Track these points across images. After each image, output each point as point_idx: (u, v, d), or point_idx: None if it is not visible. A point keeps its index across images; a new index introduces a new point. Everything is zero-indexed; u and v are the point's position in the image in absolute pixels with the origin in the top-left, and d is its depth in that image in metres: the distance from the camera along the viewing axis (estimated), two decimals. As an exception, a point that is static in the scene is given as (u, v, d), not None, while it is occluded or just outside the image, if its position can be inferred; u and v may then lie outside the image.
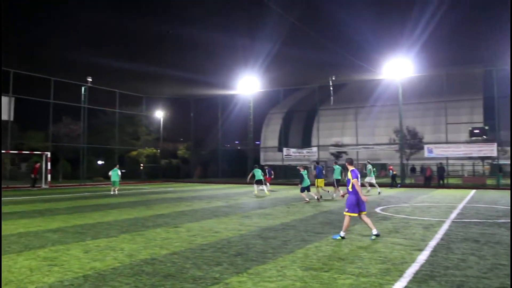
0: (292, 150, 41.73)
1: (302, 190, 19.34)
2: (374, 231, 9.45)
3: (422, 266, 6.89)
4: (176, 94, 47.92)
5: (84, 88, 39.31)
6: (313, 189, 20.24)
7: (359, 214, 9.53)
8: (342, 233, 9.48)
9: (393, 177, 33.41)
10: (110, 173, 25.83)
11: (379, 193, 24.38)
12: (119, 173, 26.10)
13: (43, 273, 6.44)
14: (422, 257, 7.55)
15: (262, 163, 47.90)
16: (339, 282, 5.95)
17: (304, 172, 19.60)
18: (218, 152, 47.93)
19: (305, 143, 44.76)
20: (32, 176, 32.02)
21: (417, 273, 6.42)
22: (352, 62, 31.33)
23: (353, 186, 9.46)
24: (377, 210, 15.63)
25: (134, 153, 50.07)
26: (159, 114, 49.98)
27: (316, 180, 21.26)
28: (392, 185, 32.46)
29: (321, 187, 21.03)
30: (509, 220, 12.53)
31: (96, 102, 41.85)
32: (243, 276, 6.31)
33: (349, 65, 32.47)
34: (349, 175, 9.55)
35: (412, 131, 36.92)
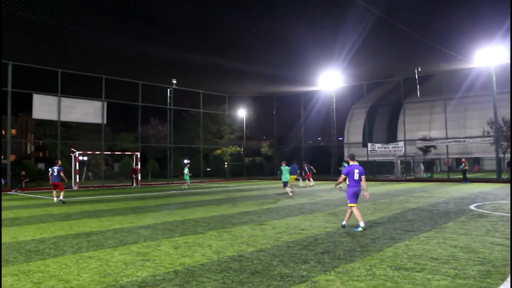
0: (377, 145, 40.58)
1: (285, 185, 20.41)
2: (362, 224, 10.14)
3: (527, 268, 6.34)
4: (258, 92, 48.38)
5: (170, 90, 40.83)
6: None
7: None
8: (361, 224, 10.09)
9: (464, 172, 31.84)
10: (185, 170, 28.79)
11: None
12: (187, 171, 28.67)
13: (136, 268, 6.71)
14: (527, 258, 6.96)
15: (346, 159, 47.08)
16: (433, 284, 5.62)
17: (284, 168, 20.62)
18: (300, 149, 47.79)
19: (391, 137, 43.28)
20: (134, 176, 34.31)
21: (523, 277, 5.91)
22: (439, 51, 29.66)
23: (348, 180, 10.45)
24: (472, 207, 14.71)
25: (219, 151, 51.33)
26: (242, 113, 50.76)
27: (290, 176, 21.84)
28: (465, 179, 31.83)
29: (292, 183, 22.55)
30: None
31: (181, 103, 43.34)
32: (331, 274, 6.16)
33: (436, 54, 30.80)
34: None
35: (509, 122, 34.35)
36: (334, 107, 44.93)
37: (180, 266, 6.77)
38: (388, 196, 19.64)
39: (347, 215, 10.64)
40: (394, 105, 44.60)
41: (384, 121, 46.29)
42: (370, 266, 6.61)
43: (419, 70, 36.83)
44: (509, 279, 5.80)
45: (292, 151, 51.66)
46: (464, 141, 36.84)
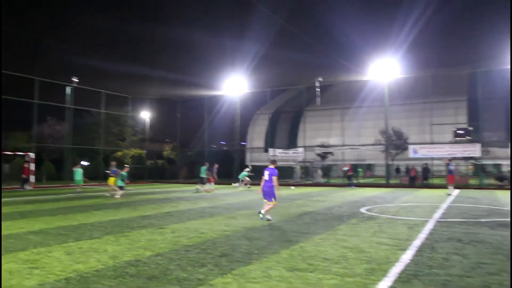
0: (278, 150, 41.74)
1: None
2: (263, 211, 12.54)
3: (407, 265, 6.90)
4: (162, 95, 47.67)
5: (70, 89, 38.90)
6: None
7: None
8: (261, 214, 12.56)
9: (349, 177, 34.17)
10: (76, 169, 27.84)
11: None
12: (81, 172, 27.86)
13: (23, 276, 6.32)
14: (407, 256, 7.57)
15: (248, 163, 47.88)
16: (324, 283, 5.94)
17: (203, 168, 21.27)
18: (204, 153, 47.83)
19: (291, 143, 44.83)
20: (24, 177, 31.95)
21: (401, 273, 6.44)
22: (338, 63, 31.45)
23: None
24: (363, 210, 15.68)
25: (120, 153, 49.68)
26: (145, 115, 49.70)
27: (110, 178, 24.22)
28: (350, 184, 34.00)
29: (112, 185, 24.12)
30: (493, 220, 12.65)
31: (81, 103, 41.49)
32: (228, 277, 6.27)
33: (336, 66, 32.65)
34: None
35: (398, 132, 37.17)
36: (238, 112, 45.53)
37: (73, 273, 6.49)
38: (287, 200, 20.28)
39: (267, 208, 12.55)
40: (295, 112, 46.27)
41: (285, 127, 47.83)
42: (266, 268, 6.81)
43: (320, 79, 38.59)
44: (390, 274, 6.30)
45: (196, 154, 51.51)
46: (359, 148, 39.17)
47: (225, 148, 58.02)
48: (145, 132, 50.46)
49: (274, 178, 12.39)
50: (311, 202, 19.31)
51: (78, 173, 27.75)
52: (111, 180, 24.26)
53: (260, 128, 47.53)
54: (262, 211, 12.48)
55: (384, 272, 6.47)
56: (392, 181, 37.20)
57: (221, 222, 12.46)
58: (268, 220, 12.34)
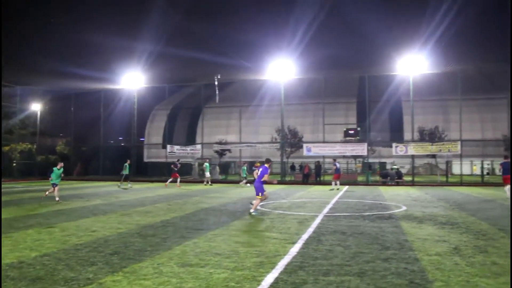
0: (176, 147, 41.45)
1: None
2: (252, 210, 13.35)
3: (294, 258, 7.32)
4: (55, 87, 44.97)
5: None
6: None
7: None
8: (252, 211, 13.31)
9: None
10: None
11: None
12: None
13: None
14: (294, 249, 8.01)
15: (145, 160, 46.97)
16: (214, 277, 6.12)
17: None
18: (100, 149, 46.06)
19: (190, 140, 44.75)
20: None
21: (288, 265, 6.82)
22: (238, 62, 31.92)
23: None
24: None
25: (6, 148, 46.08)
26: (36, 107, 46.59)
27: None
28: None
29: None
30: (374, 213, 13.74)
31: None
32: (118, 275, 6.22)
33: (235, 65, 33.04)
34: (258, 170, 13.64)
35: (293, 131, 38.69)
36: (136, 107, 44.34)
37: None
38: (183, 197, 20.29)
39: (256, 202, 13.57)
40: (194, 109, 46.20)
41: (184, 124, 47.59)
42: (158, 264, 6.84)
43: (219, 77, 38.93)
44: (277, 266, 6.66)
45: (91, 150, 49.46)
46: (255, 146, 40.13)
47: (123, 144, 56.36)
48: (36, 125, 47.32)
49: (265, 176, 13.38)
50: (207, 199, 19.50)
51: None
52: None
53: (158, 124, 46.80)
54: (252, 210, 13.42)
55: (272, 265, 6.81)
56: (287, 178, 38.63)
57: (115, 219, 12.19)
58: (250, 213, 13.25)
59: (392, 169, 37.60)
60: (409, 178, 37.14)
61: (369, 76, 38.08)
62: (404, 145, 35.36)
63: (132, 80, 41.38)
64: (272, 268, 6.62)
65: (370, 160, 39.40)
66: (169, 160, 41.80)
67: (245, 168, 32.42)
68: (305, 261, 7.06)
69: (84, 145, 51.66)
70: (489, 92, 38.65)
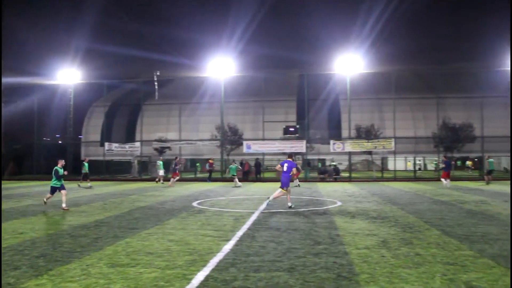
0: (115, 145, 40.46)
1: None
2: (271, 197, 14.56)
3: (226, 255, 7.36)
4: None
5: None
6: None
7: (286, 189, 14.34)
8: (289, 203, 14.42)
9: (210, 172, 35.04)
10: None
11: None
12: None
13: None
14: (228, 246, 8.05)
15: (83, 158, 45.43)
16: (144, 276, 6.05)
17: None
18: (33, 146, 44.13)
19: (129, 138, 43.78)
20: None
21: (220, 262, 6.85)
22: (178, 59, 31.56)
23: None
24: (194, 204, 16.09)
25: None
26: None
27: None
28: (209, 178, 34.61)
29: None
30: (309, 209, 14.04)
31: None
32: (43, 278, 6.01)
33: (176, 61, 32.64)
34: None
35: (233, 128, 38.77)
36: (72, 103, 42.77)
37: None
38: (120, 196, 19.86)
39: (288, 197, 14.57)
40: (133, 106, 45.25)
41: (123, 121, 46.51)
42: (87, 265, 6.67)
43: (158, 74, 38.37)
44: (209, 264, 6.67)
45: (24, 147, 47.29)
46: (196, 143, 39.91)
47: (60, 142, 54.28)
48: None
49: (294, 170, 14.59)
50: (145, 197, 19.19)
51: None
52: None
53: (96, 121, 45.43)
54: (271, 197, 14.56)
55: (204, 263, 6.82)
56: (226, 175, 38.66)
57: (46, 221, 11.77)
58: (290, 207, 14.21)
59: (330, 165, 38.55)
60: (346, 175, 38.25)
61: (308, 75, 38.83)
62: (341, 142, 36.36)
63: (68, 75, 39.97)
64: (204, 266, 6.63)
65: (310, 157, 40.21)
66: (108, 158, 40.76)
67: (234, 167, 29.75)
68: (237, 258, 7.11)
69: (16, 143, 49.32)
70: (421, 92, 40.38)
